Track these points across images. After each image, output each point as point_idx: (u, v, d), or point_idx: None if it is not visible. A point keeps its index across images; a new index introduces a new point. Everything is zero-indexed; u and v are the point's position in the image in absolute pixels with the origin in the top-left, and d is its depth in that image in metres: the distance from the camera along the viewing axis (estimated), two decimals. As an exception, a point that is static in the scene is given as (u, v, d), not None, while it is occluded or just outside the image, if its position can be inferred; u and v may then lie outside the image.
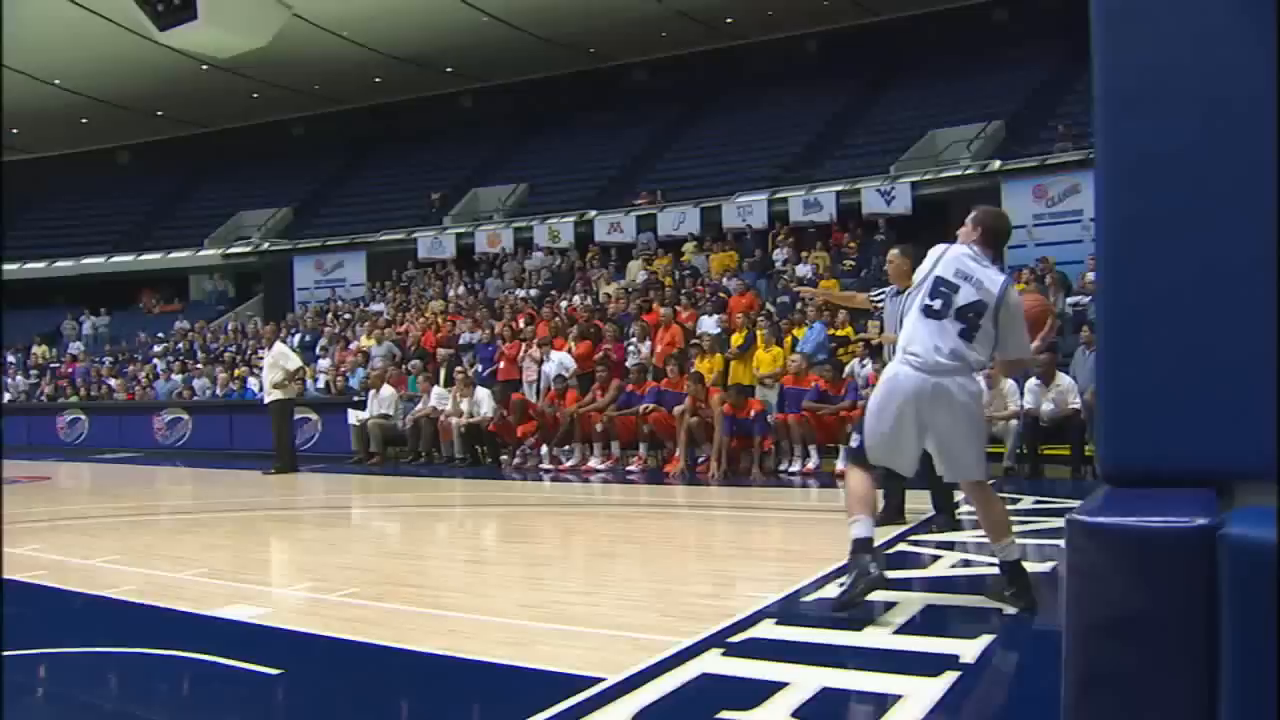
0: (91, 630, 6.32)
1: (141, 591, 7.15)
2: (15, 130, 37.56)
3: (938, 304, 5.50)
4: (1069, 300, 16.32)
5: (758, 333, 15.45)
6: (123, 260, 34.70)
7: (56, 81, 33.86)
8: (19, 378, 27.78)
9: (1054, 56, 24.95)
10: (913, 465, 5.85)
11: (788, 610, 5.79)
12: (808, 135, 28.32)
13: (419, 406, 17.29)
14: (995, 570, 5.88)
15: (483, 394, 16.60)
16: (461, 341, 19.93)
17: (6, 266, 35.57)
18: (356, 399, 18.54)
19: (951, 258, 5.59)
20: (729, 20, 30.53)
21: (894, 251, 7.97)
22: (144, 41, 29.02)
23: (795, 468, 13.44)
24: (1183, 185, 2.98)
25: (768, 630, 5.43)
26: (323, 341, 23.17)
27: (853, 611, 5.50)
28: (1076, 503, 3.01)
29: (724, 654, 4.94)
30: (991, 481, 11.16)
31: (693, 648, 5.01)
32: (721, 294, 18.75)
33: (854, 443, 5.90)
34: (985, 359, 5.66)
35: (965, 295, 5.47)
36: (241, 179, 37.07)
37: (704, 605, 6.19)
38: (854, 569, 5.58)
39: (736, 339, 15.66)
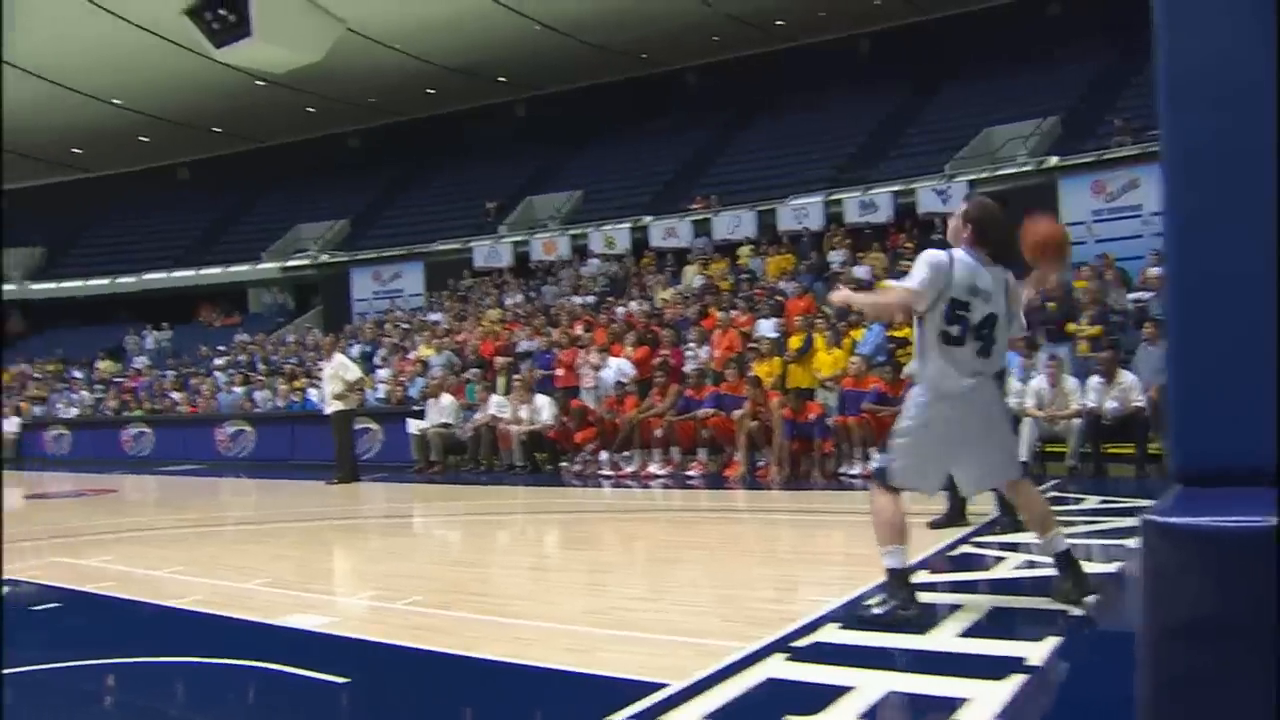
0: (159, 640, 6.39)
1: (208, 601, 7.23)
2: (79, 150, 38.24)
3: (955, 330, 5.48)
4: (1130, 296, 16.07)
5: (816, 335, 15.38)
6: (183, 275, 35.13)
7: (116, 101, 34.36)
8: (84, 392, 28.15)
9: (1110, 49, 24.68)
10: (938, 487, 5.89)
11: (851, 614, 5.74)
12: (862, 136, 28.17)
13: (478, 415, 17.33)
14: (1058, 572, 5.82)
15: (542, 401, 16.65)
16: (519, 349, 19.96)
17: (72, 284, 36.30)
18: (416, 408, 18.61)
19: (962, 275, 5.51)
20: (780, 23, 30.44)
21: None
22: (201, 59, 29.39)
23: (856, 470, 13.31)
24: (1254, 176, 2.91)
25: (832, 635, 5.40)
26: (382, 352, 23.28)
27: (916, 616, 5.48)
28: (1142, 502, 2.98)
29: (788, 659, 4.92)
30: (1055, 481, 11.10)
31: (757, 653, 4.99)
32: (779, 297, 18.65)
33: (880, 463, 5.85)
34: (1002, 364, 5.76)
35: (978, 312, 5.47)
36: (299, 192, 37.40)
37: (767, 610, 6.17)
38: (891, 598, 5.59)
39: (794, 342, 15.59)
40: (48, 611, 7.62)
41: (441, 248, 29.94)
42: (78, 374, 29.99)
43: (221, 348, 28.96)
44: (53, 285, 38.12)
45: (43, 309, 38.18)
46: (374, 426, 18.94)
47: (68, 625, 7.24)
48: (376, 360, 22.87)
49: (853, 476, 13.26)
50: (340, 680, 5.12)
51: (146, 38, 29.92)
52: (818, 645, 5.17)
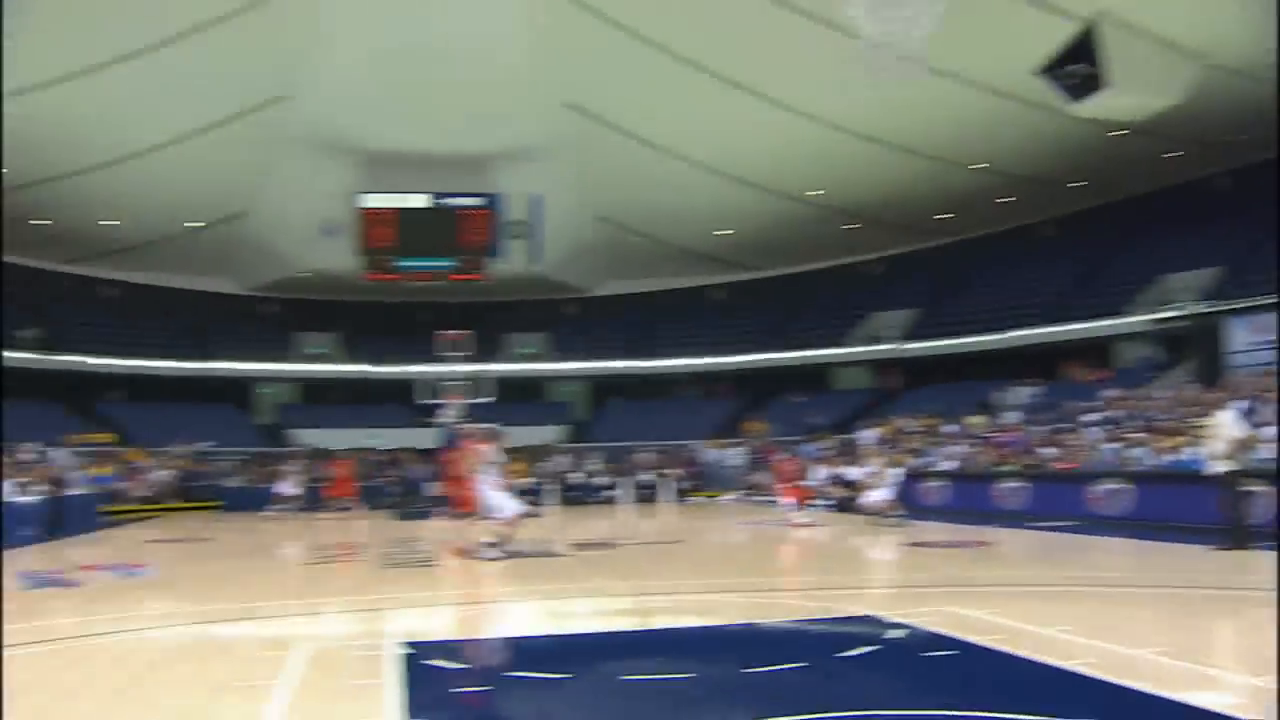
0: (1054, 700, 6.36)
1: (1099, 665, 7.12)
2: (947, 215, 40.15)
3: None
4: None
5: None
6: (1048, 331, 35.47)
7: (980, 166, 35.61)
8: (959, 446, 29.16)
9: None
10: None
11: None
12: None
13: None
14: None
15: None
16: None
17: (944, 342, 38.17)
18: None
19: None
20: None
21: None
22: (1056, 115, 29.65)
23: None
24: None
25: None
26: (1266, 407, 21.66)
27: None
28: None
29: None
30: None
31: None
32: None
33: None
34: None
35: None
36: (1164, 242, 36.19)
37: None
38: None
39: None
40: (941, 659, 7.91)
41: (1328, 294, 27.37)
42: (952, 428, 31.18)
43: (1091, 403, 28.64)
44: (925, 344, 40.25)
45: (917, 366, 40.43)
46: (1264, 489, 17.57)
47: (963, 675, 7.44)
48: (1260, 417, 21.31)
49: None
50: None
51: (1000, 101, 30.77)
52: None
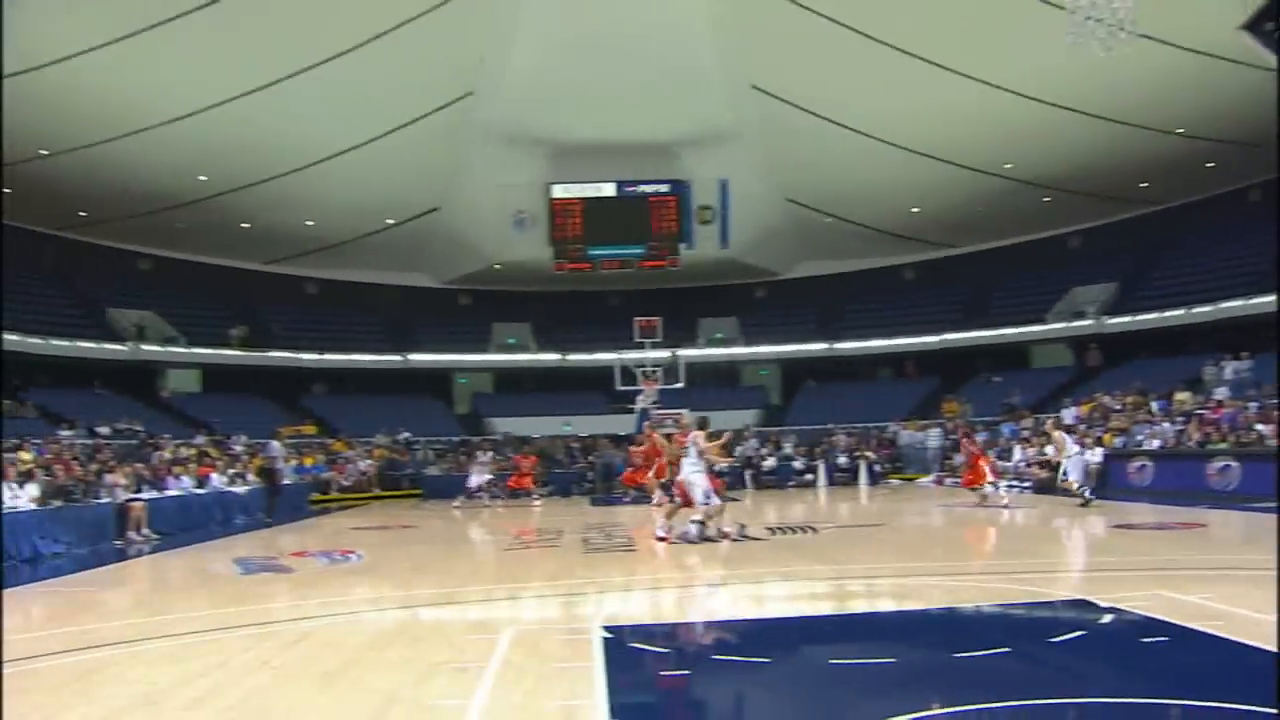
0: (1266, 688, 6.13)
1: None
2: (1145, 184, 38.67)
3: None
4: None
5: None
6: (1261, 301, 33.93)
7: (1179, 130, 34.23)
8: (1165, 424, 28.14)
9: None
10: None
11: None
12: None
13: None
14: None
15: None
16: None
17: (1146, 316, 36.81)
18: None
19: None
20: None
21: None
22: (1263, 72, 28.35)
23: None
24: None
25: None
26: None
27: None
28: None
29: None
30: None
31: None
32: None
33: None
34: None
35: None
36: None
37: None
38: None
39: None
40: (1156, 645, 7.69)
41: None
42: (1155, 405, 30.08)
43: (1311, 377, 27.29)
44: (1127, 319, 38.94)
45: (1119, 342, 39.11)
46: None
47: (1180, 662, 7.23)
48: None
49: None
50: None
51: (1201, 60, 29.52)
52: None
